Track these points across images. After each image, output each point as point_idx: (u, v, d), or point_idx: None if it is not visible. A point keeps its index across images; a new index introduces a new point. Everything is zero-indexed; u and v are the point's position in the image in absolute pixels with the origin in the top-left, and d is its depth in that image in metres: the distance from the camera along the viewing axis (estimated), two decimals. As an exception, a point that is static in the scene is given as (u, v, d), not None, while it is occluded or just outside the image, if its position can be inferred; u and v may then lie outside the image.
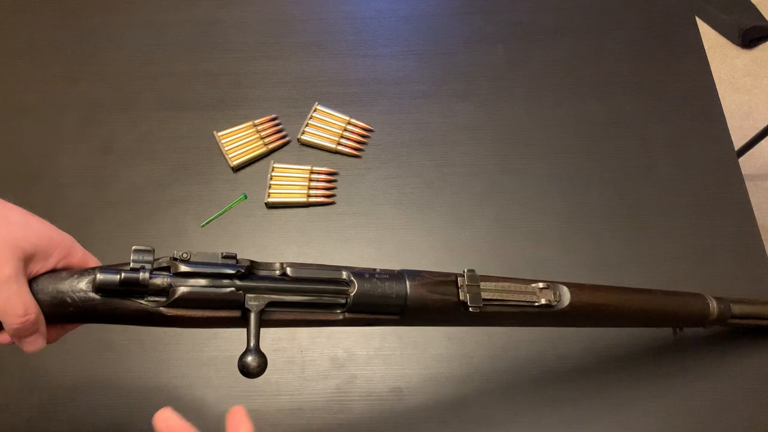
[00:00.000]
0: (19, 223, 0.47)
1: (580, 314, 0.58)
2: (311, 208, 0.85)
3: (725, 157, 0.89)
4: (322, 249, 0.82)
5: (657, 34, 1.00)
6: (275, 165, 0.87)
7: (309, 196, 0.85)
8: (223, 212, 0.85)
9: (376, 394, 0.72)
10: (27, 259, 0.45)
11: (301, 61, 0.97)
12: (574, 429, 0.71)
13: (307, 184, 0.85)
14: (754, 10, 2.08)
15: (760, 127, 1.60)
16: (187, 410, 0.70)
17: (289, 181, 0.86)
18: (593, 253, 0.82)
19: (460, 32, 1.01)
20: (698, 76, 0.96)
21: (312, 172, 0.86)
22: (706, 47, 0.99)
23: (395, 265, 0.80)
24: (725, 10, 2.06)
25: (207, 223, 0.84)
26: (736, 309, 0.69)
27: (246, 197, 0.85)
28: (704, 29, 2.07)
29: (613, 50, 0.98)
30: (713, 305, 0.67)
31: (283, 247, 0.82)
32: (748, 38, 2.02)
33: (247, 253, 0.81)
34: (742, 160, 1.44)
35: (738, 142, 1.57)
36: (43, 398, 0.72)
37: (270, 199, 0.84)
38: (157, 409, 0.71)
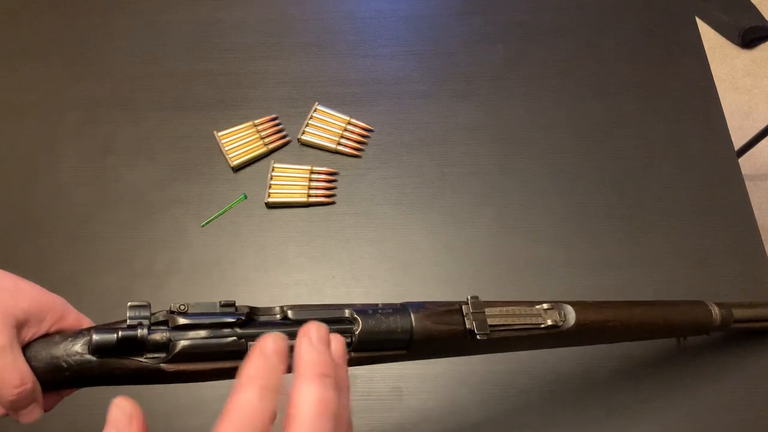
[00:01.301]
0: (9, 289, 0.45)
1: (587, 333, 0.58)
2: (311, 208, 0.85)
3: (725, 157, 0.89)
4: (322, 249, 0.82)
5: (657, 34, 1.00)
6: (275, 165, 0.87)
7: (309, 196, 0.85)
8: (223, 212, 0.85)
9: (376, 394, 0.72)
10: (19, 326, 0.43)
11: (301, 61, 0.97)
12: (574, 428, 0.71)
13: (307, 184, 0.85)
14: (754, 10, 2.08)
15: (760, 127, 1.60)
16: (187, 410, 0.71)
17: (289, 181, 0.86)
18: (593, 252, 0.81)
19: (460, 32, 1.01)
20: (698, 76, 0.96)
21: (312, 172, 0.86)
22: (706, 47, 0.99)
23: (396, 265, 0.81)
24: (725, 10, 2.06)
25: (207, 223, 0.84)
26: (738, 313, 0.69)
27: (246, 197, 0.85)
28: (704, 29, 2.07)
29: (613, 50, 0.98)
30: (716, 312, 0.66)
31: (283, 247, 0.82)
32: (748, 38, 2.03)
33: (247, 253, 0.81)
34: (742, 160, 1.44)
35: (738, 142, 1.58)
36: (43, 398, 0.72)
37: (270, 199, 0.84)
38: (156, 410, 0.71)
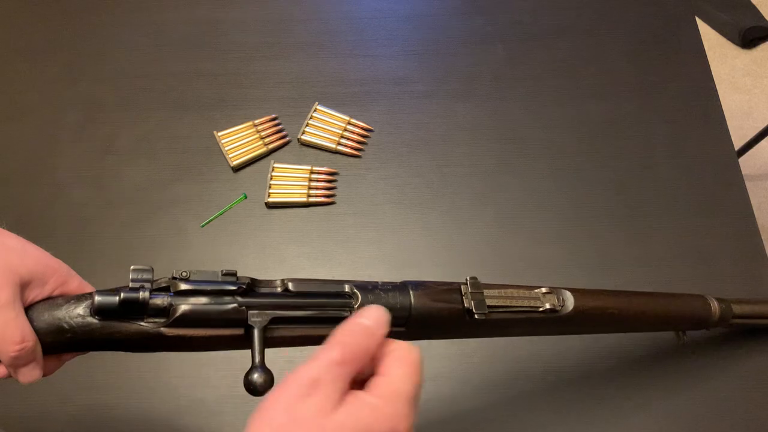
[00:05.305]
0: (16, 249, 0.46)
1: (584, 319, 0.58)
2: (311, 208, 0.85)
3: (725, 157, 0.89)
4: (322, 249, 0.82)
5: (657, 34, 1.00)
6: (275, 165, 0.87)
7: (309, 196, 0.85)
8: (223, 212, 0.85)
9: (376, 394, 0.72)
10: (23, 286, 0.44)
11: (301, 61, 0.97)
12: (574, 428, 0.71)
13: (307, 184, 0.85)
14: (754, 10, 2.08)
15: (760, 127, 1.60)
16: (187, 410, 0.71)
17: (289, 181, 0.86)
18: (593, 252, 0.82)
19: (460, 32, 1.01)
20: (698, 76, 0.96)
21: (312, 172, 0.86)
22: (706, 47, 0.99)
23: (396, 265, 0.81)
24: (725, 10, 2.06)
25: (207, 223, 0.84)
26: (737, 309, 0.69)
27: (246, 197, 0.85)
28: (704, 29, 2.07)
29: (613, 50, 0.98)
30: (714, 306, 0.67)
31: (283, 247, 0.82)
32: (748, 38, 2.02)
33: (247, 253, 0.81)
34: (742, 160, 1.44)
35: (738, 142, 1.57)
36: (43, 398, 0.72)
37: (270, 199, 0.84)
38: (156, 410, 0.71)
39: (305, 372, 0.38)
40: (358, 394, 0.38)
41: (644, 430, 0.71)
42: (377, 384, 0.39)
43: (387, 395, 0.39)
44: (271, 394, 0.38)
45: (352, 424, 0.37)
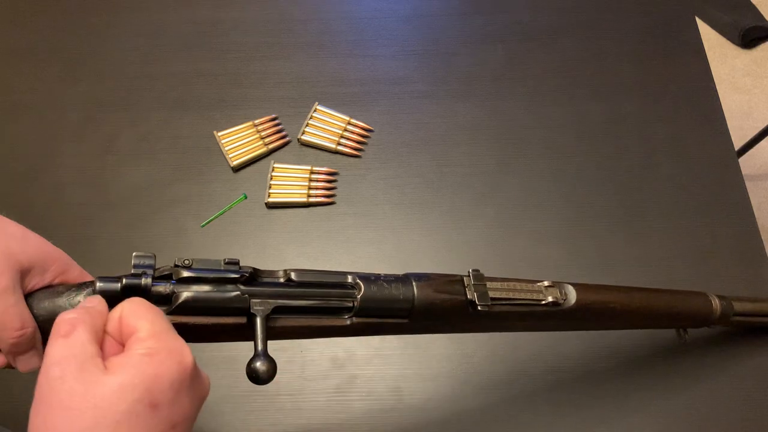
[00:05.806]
0: (16, 236, 0.46)
1: (586, 313, 0.58)
2: (311, 208, 0.85)
3: (725, 157, 0.89)
4: (322, 249, 0.82)
5: (657, 34, 1.00)
6: (275, 165, 0.87)
7: (309, 196, 0.85)
8: (223, 212, 0.85)
9: (376, 394, 0.72)
10: (24, 272, 0.44)
11: (301, 61, 0.97)
12: (574, 428, 0.71)
13: (307, 184, 0.85)
14: (754, 10, 2.08)
15: (760, 127, 1.60)
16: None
17: (289, 181, 0.86)
18: (593, 253, 0.82)
19: (460, 32, 1.01)
20: (698, 76, 0.96)
21: (312, 172, 0.86)
22: (706, 47, 0.99)
23: (396, 265, 0.81)
24: (725, 10, 2.06)
25: (207, 223, 0.84)
26: (738, 307, 0.69)
27: (246, 197, 0.85)
28: (704, 29, 2.07)
29: (613, 50, 0.98)
30: (716, 303, 0.67)
31: (283, 247, 0.82)
32: (748, 38, 2.02)
33: (247, 253, 0.81)
34: (742, 160, 1.44)
35: (738, 142, 1.57)
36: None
37: (270, 199, 0.84)
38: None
39: (55, 352, 0.38)
40: (121, 357, 0.38)
41: (644, 430, 0.71)
42: (131, 341, 0.39)
43: (149, 342, 0.39)
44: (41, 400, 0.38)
45: (131, 380, 0.37)
